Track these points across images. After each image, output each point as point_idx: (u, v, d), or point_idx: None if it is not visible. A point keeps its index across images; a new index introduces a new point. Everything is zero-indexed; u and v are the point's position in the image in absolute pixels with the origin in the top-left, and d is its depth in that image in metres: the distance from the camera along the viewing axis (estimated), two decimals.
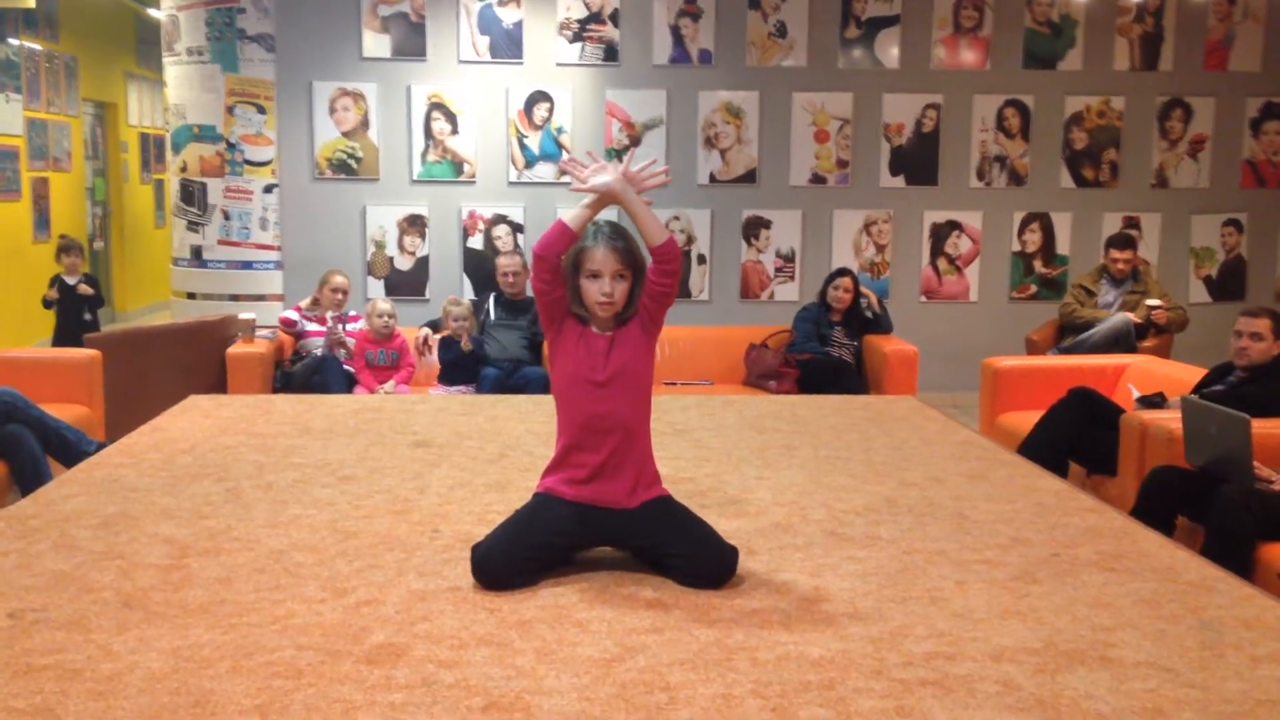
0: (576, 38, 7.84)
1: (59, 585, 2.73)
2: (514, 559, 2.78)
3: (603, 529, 2.89)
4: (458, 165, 7.88)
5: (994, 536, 3.22)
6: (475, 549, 2.81)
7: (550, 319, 2.92)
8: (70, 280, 8.15)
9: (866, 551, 3.08)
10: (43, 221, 10.27)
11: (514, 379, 6.29)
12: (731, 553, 2.84)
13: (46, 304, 8.15)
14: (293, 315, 6.63)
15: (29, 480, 4.59)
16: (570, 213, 2.85)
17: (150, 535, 3.12)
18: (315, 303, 6.65)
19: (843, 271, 6.93)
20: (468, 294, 7.79)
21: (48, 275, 8.51)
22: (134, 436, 4.34)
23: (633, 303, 2.90)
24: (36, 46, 10.16)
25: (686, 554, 2.81)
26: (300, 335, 6.63)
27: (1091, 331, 6.62)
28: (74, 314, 8.06)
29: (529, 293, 6.91)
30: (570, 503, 2.87)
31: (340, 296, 6.56)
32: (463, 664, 2.31)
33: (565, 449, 2.90)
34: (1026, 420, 5.21)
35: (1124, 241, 6.96)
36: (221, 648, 2.37)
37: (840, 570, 2.92)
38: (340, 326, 6.48)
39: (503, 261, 6.79)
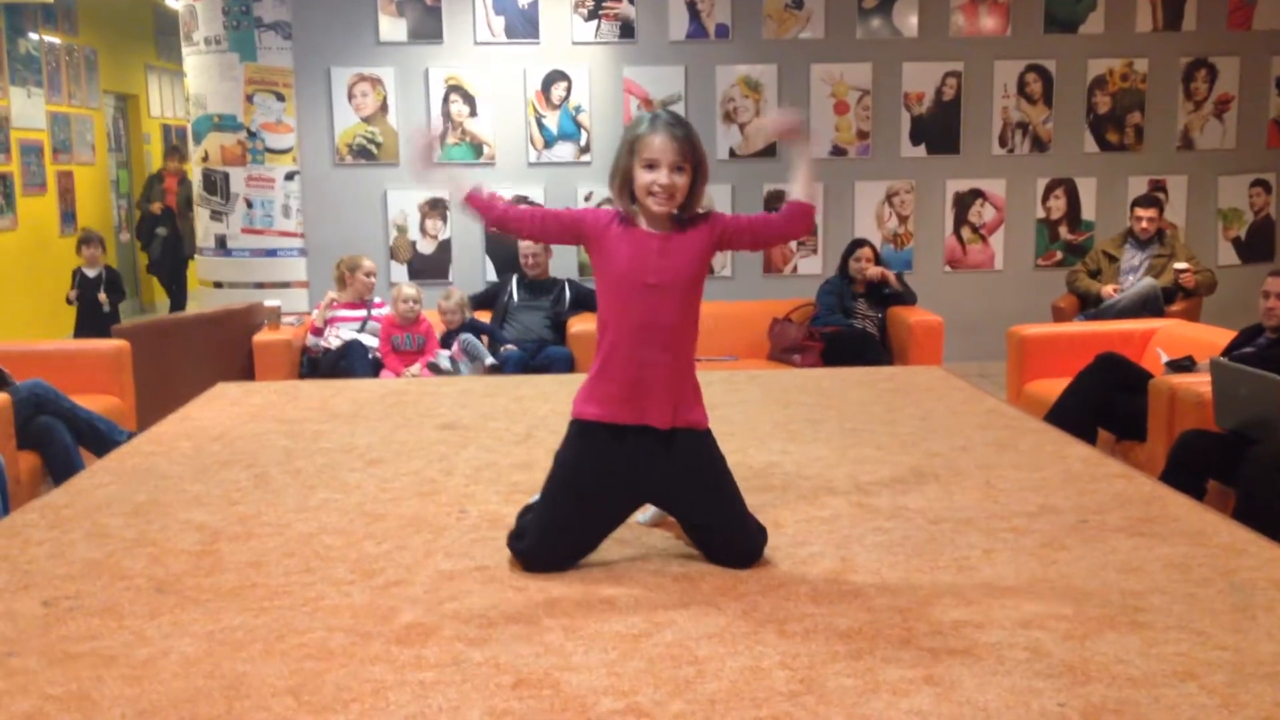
0: (592, 15, 7.81)
1: (92, 573, 2.76)
2: (560, 545, 2.73)
3: (640, 462, 2.73)
4: (477, 147, 7.88)
5: (1022, 504, 3.21)
6: (517, 545, 2.74)
7: (568, 238, 2.80)
8: (90, 273, 8.27)
9: (893, 522, 3.07)
10: (69, 215, 10.35)
11: (538, 359, 6.30)
12: (759, 535, 2.79)
13: (70, 302, 8.28)
14: (319, 324, 6.54)
15: (62, 471, 4.65)
16: (454, 197, 2.81)
17: (181, 522, 3.16)
18: (341, 287, 6.64)
19: (861, 242, 6.89)
20: (490, 276, 7.82)
21: (74, 269, 8.60)
22: (163, 425, 4.38)
23: (692, 201, 2.71)
24: (56, 40, 10.21)
25: (714, 531, 2.77)
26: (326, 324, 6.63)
27: (1119, 297, 6.57)
28: (93, 306, 8.21)
29: (552, 273, 6.93)
30: (607, 427, 2.73)
31: (373, 281, 6.60)
32: (492, 642, 2.32)
33: (604, 361, 2.74)
34: (1054, 388, 5.18)
35: (1148, 201, 6.90)
36: (253, 631, 2.39)
37: (867, 541, 2.92)
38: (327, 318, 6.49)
39: (523, 244, 6.80)
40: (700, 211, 2.78)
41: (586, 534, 2.78)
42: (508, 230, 2.85)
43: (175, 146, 11.93)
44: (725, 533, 2.77)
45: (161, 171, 11.35)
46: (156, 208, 10.92)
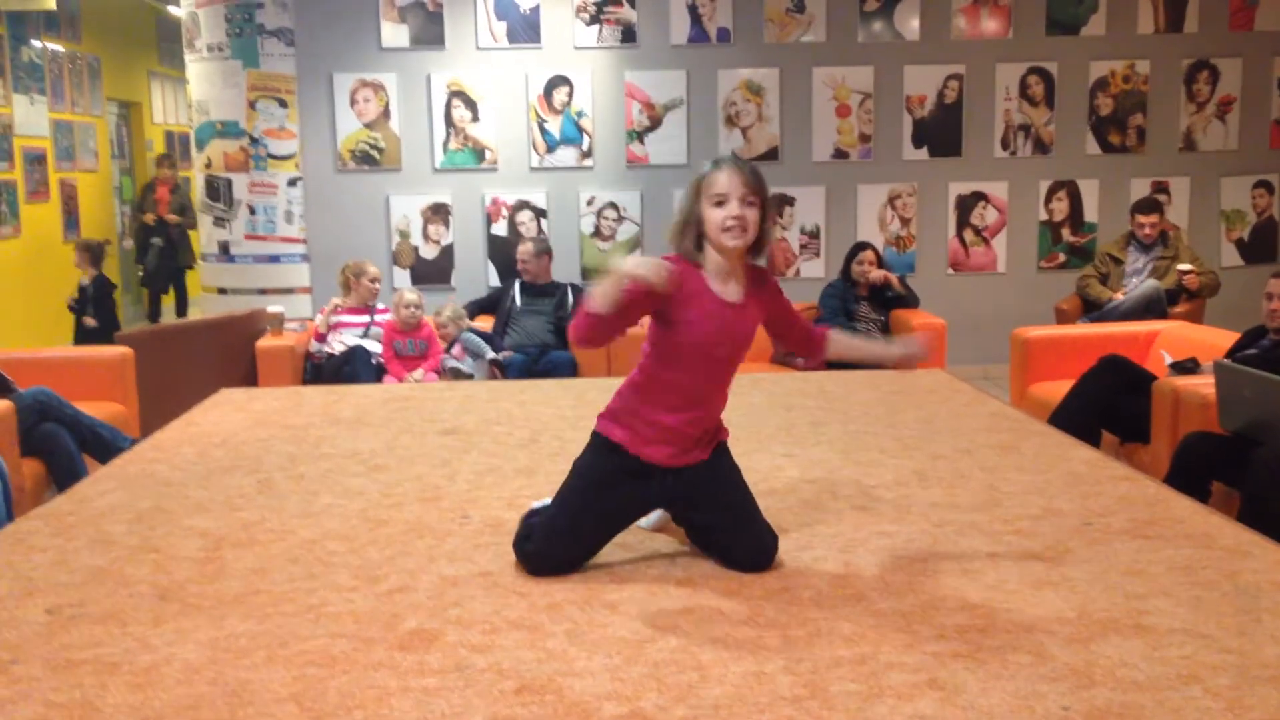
0: (594, 20, 7.81)
1: (96, 580, 2.76)
2: (569, 548, 2.73)
3: (660, 479, 2.77)
4: (479, 152, 7.89)
5: (1026, 507, 3.21)
6: (525, 547, 2.74)
7: (651, 308, 2.66)
8: (84, 282, 8.37)
9: (897, 526, 3.07)
10: (72, 222, 10.36)
11: (541, 364, 6.30)
12: (771, 538, 2.79)
13: (70, 308, 8.41)
14: (322, 330, 6.54)
15: (66, 478, 4.64)
16: (598, 290, 2.56)
17: (185, 528, 3.16)
18: (346, 293, 6.64)
19: (863, 245, 6.88)
20: (493, 281, 7.82)
21: (78, 276, 8.62)
22: (167, 431, 4.38)
23: (763, 238, 2.70)
24: (59, 48, 10.23)
25: (729, 534, 2.77)
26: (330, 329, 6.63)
27: (1122, 299, 6.56)
28: (81, 322, 8.38)
29: (554, 277, 6.93)
30: (633, 456, 2.74)
31: (378, 287, 6.61)
32: (495, 648, 2.32)
33: (644, 397, 2.74)
34: (1057, 390, 5.17)
35: (1149, 206, 6.88)
36: (257, 638, 2.39)
37: (871, 545, 2.92)
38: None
39: (518, 251, 6.84)
40: (764, 270, 2.83)
41: (595, 539, 2.80)
42: (603, 343, 2.68)
43: (166, 154, 11.78)
44: (739, 536, 2.77)
45: (153, 181, 11.19)
46: (149, 218, 10.73)
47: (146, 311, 11.17)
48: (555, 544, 2.73)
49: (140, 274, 11.19)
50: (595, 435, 2.82)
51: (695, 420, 2.76)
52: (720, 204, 2.64)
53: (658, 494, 2.81)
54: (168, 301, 11.34)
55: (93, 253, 8.58)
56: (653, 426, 2.74)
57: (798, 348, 2.97)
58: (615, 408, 2.80)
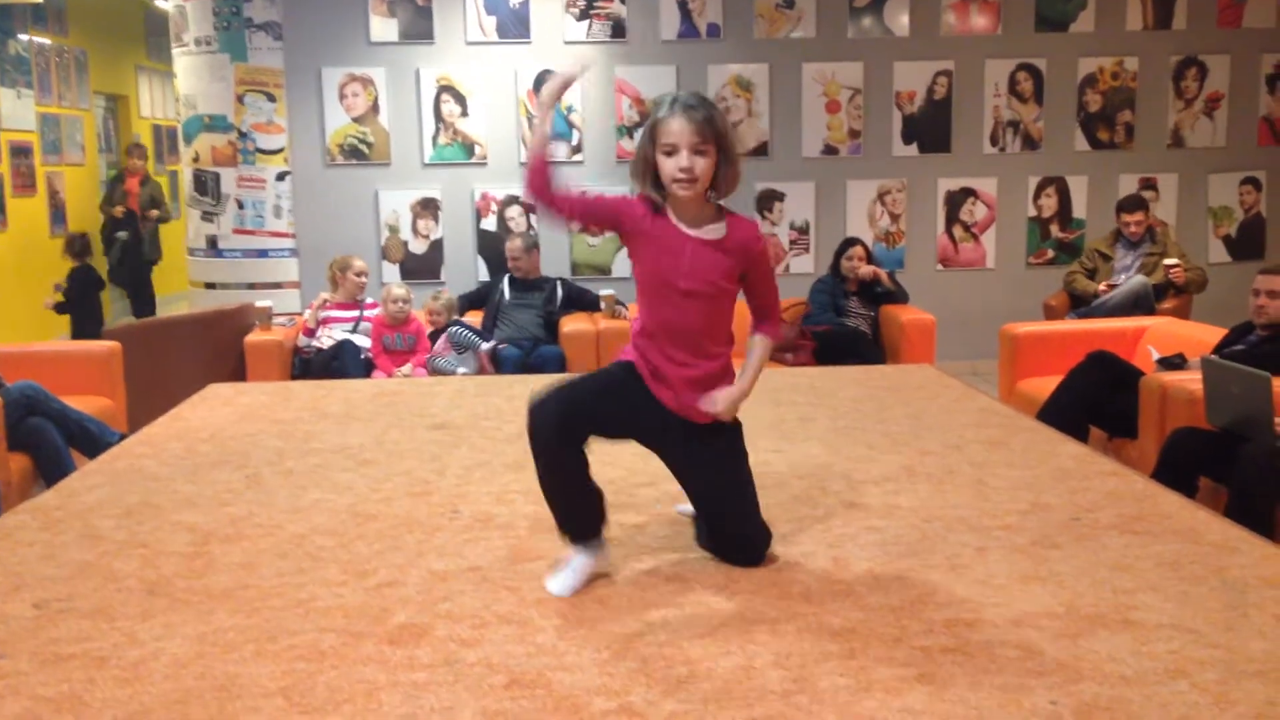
0: (584, 15, 7.80)
1: (84, 575, 2.75)
2: (569, 405, 2.58)
3: (664, 420, 2.73)
4: (469, 147, 7.87)
5: (1014, 502, 3.21)
6: (532, 400, 2.62)
7: (608, 226, 2.73)
8: (59, 284, 8.46)
9: (886, 521, 3.08)
10: (59, 216, 10.31)
11: (532, 358, 6.30)
12: (763, 535, 2.77)
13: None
14: (311, 324, 6.52)
15: (53, 473, 4.63)
16: (540, 142, 2.64)
17: (173, 523, 3.15)
18: (334, 288, 6.63)
19: (853, 241, 6.89)
20: (482, 275, 7.81)
21: (64, 270, 8.58)
22: (155, 426, 4.37)
23: (719, 185, 2.64)
24: (46, 41, 10.18)
25: (720, 515, 2.75)
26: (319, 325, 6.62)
27: (1110, 295, 6.58)
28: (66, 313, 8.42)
29: (543, 272, 6.93)
30: (643, 380, 2.73)
31: (365, 281, 6.59)
32: (484, 642, 2.32)
33: (636, 337, 2.76)
34: (1046, 386, 5.18)
35: (1134, 204, 6.90)
36: (245, 632, 2.39)
37: (860, 540, 2.92)
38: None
39: (509, 245, 6.84)
40: (748, 220, 2.76)
41: (598, 416, 2.65)
42: (551, 207, 2.68)
43: (137, 144, 11.37)
44: (730, 519, 2.75)
45: (122, 172, 10.76)
46: (118, 211, 10.33)
47: (131, 309, 10.89)
48: (562, 397, 2.59)
49: (107, 270, 10.81)
50: (619, 362, 2.79)
51: (683, 368, 2.69)
52: (670, 153, 2.57)
53: (658, 422, 2.72)
54: (125, 300, 10.97)
55: (73, 246, 8.54)
56: (650, 367, 2.72)
57: (756, 312, 2.86)
58: (630, 344, 2.80)
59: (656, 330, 2.72)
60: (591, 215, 2.74)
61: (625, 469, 3.52)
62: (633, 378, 2.74)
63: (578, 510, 2.68)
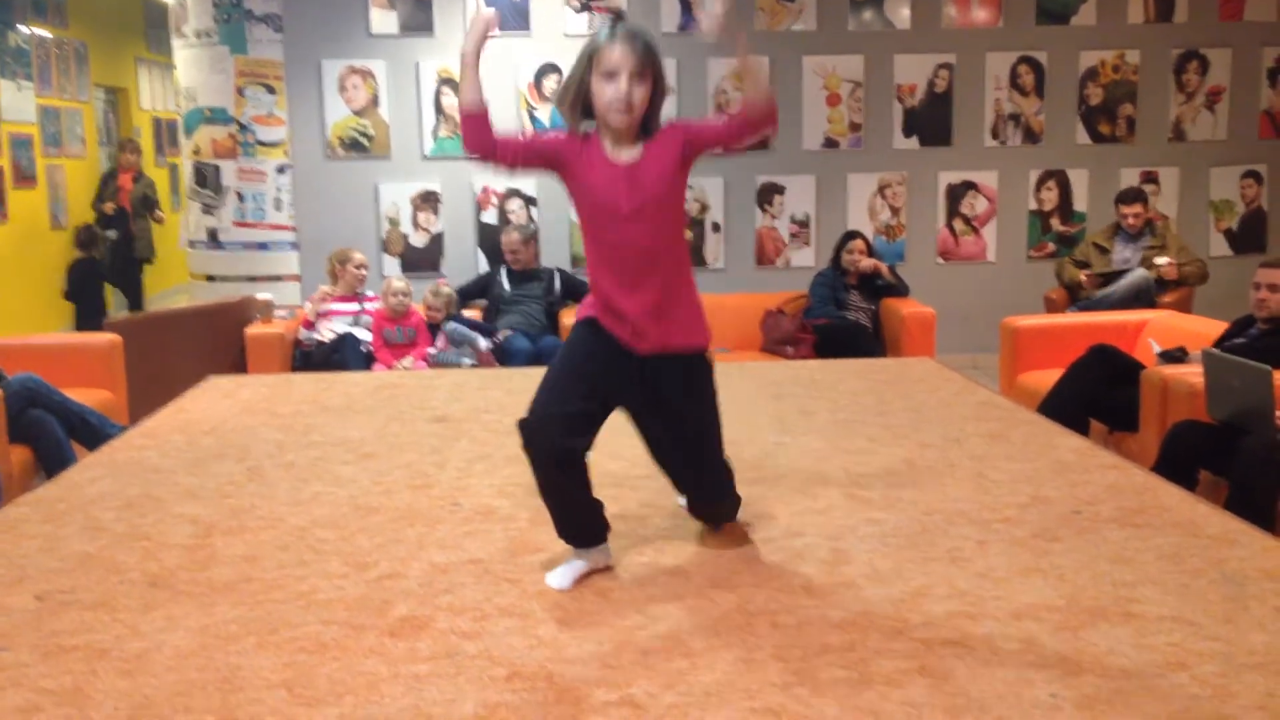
0: (584, 8, 7.79)
1: (85, 567, 2.75)
2: (561, 408, 2.58)
3: (633, 364, 2.67)
4: None
5: (1014, 495, 3.22)
6: (522, 420, 2.61)
7: (549, 164, 2.67)
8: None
9: (886, 513, 3.08)
10: (59, 209, 10.31)
11: (541, 346, 6.31)
12: (727, 486, 2.79)
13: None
14: (311, 317, 6.52)
15: (54, 465, 4.63)
16: (468, 96, 2.61)
17: (174, 515, 3.15)
18: (334, 281, 6.63)
19: (853, 234, 6.89)
20: (482, 267, 7.80)
21: (65, 262, 8.56)
22: (156, 418, 4.37)
23: (654, 114, 2.62)
24: (46, 33, 10.16)
25: (680, 461, 2.76)
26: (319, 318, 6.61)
27: (1112, 288, 6.57)
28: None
29: (542, 263, 6.94)
30: (605, 330, 2.67)
31: (364, 274, 6.60)
32: (485, 635, 2.33)
33: (592, 283, 2.70)
34: (1046, 379, 5.18)
35: (1132, 196, 6.89)
36: (247, 624, 2.39)
37: (860, 533, 2.93)
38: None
39: (504, 239, 6.85)
40: (661, 125, 2.68)
41: (578, 397, 2.62)
42: (493, 159, 2.66)
43: (129, 139, 11.15)
44: (689, 465, 2.75)
45: (115, 168, 10.45)
46: (109, 208, 10.04)
47: (127, 303, 10.66)
48: (539, 399, 2.61)
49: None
50: (575, 324, 2.76)
51: (637, 294, 2.62)
52: (610, 78, 2.53)
53: (628, 375, 2.68)
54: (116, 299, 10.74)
55: (78, 236, 8.52)
56: (606, 304, 2.66)
57: (744, 131, 2.68)
58: (585, 299, 2.76)
59: (604, 261, 2.65)
60: (533, 156, 2.68)
61: (627, 460, 3.52)
62: (596, 338, 2.68)
63: (578, 521, 2.71)
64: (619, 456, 3.54)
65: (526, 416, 2.61)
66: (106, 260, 10.14)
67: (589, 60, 2.58)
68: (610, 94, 2.54)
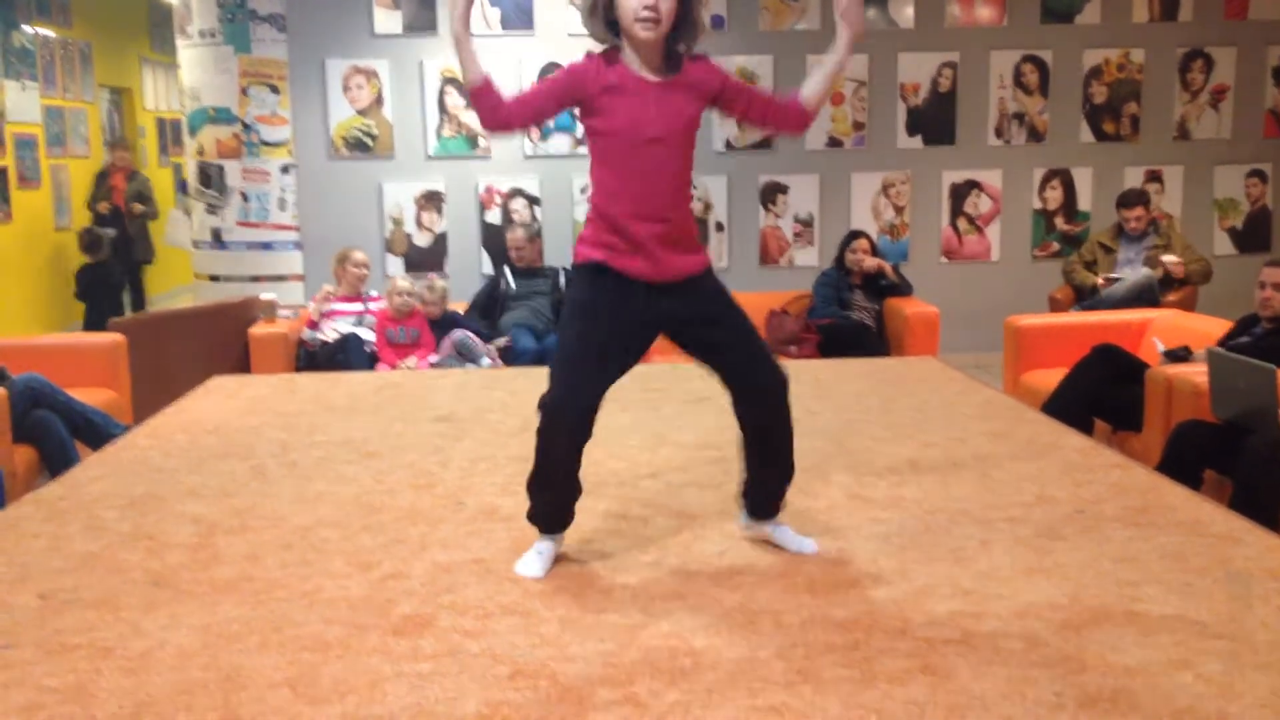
0: None
1: (89, 566, 2.76)
2: (582, 380, 2.56)
3: (651, 299, 2.62)
4: (472, 140, 7.86)
5: (1018, 494, 3.21)
6: (543, 399, 2.58)
7: (566, 104, 2.61)
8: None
9: (890, 513, 3.07)
10: (63, 209, 10.32)
11: (547, 344, 6.32)
12: (777, 364, 2.74)
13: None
14: (315, 317, 6.52)
15: (58, 465, 4.63)
16: (469, 74, 2.57)
17: (178, 515, 3.15)
18: (338, 281, 6.64)
19: (857, 234, 6.88)
20: (486, 268, 7.80)
21: (70, 262, 8.57)
22: (159, 418, 4.38)
23: (683, 30, 2.54)
24: (50, 34, 10.18)
25: (734, 350, 2.70)
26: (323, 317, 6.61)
27: (1115, 287, 6.56)
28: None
29: (547, 260, 6.96)
30: (615, 271, 2.60)
31: (365, 272, 6.60)
32: (488, 633, 2.32)
33: (602, 214, 2.61)
34: (1050, 379, 5.17)
35: (1133, 199, 6.86)
36: (250, 623, 2.39)
37: (864, 532, 2.92)
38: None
39: (510, 236, 6.87)
40: (699, 54, 2.64)
41: (605, 367, 2.59)
42: (510, 129, 2.64)
43: (121, 138, 11.02)
44: (744, 351, 2.70)
45: (108, 167, 10.25)
46: (104, 208, 9.82)
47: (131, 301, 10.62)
48: (563, 381, 2.56)
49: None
50: (577, 267, 2.67)
51: (656, 227, 2.58)
52: None
53: (651, 316, 2.64)
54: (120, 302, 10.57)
55: (81, 240, 8.52)
56: (621, 237, 2.58)
57: (771, 121, 2.70)
58: (586, 234, 2.68)
59: (621, 190, 2.58)
60: (549, 102, 2.63)
61: (629, 460, 3.52)
62: (603, 294, 2.61)
63: (560, 503, 2.73)
64: (620, 456, 3.54)
65: (548, 398, 2.58)
66: (113, 262, 10.03)
67: None
68: (635, 4, 2.45)
